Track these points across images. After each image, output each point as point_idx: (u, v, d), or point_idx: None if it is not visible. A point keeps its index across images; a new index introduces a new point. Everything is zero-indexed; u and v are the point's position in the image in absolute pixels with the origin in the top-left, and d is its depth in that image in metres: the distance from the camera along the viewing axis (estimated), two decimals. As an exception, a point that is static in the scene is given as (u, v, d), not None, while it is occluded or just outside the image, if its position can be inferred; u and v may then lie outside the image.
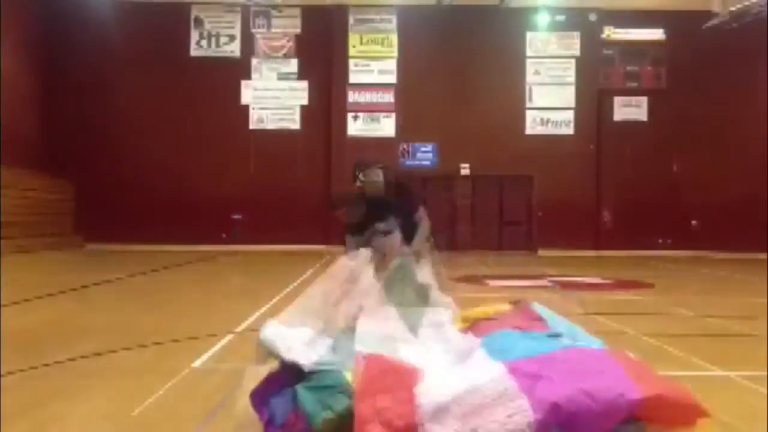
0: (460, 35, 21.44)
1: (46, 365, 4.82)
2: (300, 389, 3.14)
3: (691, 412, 2.75)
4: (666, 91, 21.79)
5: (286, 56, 21.80)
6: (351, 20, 21.83)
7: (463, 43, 21.46)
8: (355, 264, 4.28)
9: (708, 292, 11.34)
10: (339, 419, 2.99)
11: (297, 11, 21.73)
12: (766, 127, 20.63)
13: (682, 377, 4.42)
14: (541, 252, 21.05)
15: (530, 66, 22.00)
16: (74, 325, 6.65)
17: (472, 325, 3.87)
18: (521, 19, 21.75)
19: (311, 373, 3.26)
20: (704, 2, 19.06)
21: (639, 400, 2.66)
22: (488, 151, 21.12)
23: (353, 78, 21.76)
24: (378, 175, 5.04)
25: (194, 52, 21.66)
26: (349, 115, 21.72)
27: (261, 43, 21.77)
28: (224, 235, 20.78)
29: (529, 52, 21.99)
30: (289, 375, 3.28)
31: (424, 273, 4.58)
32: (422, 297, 4.38)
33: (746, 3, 17.49)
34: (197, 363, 5.15)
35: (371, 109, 21.76)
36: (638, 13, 21.73)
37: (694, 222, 21.29)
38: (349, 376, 3.20)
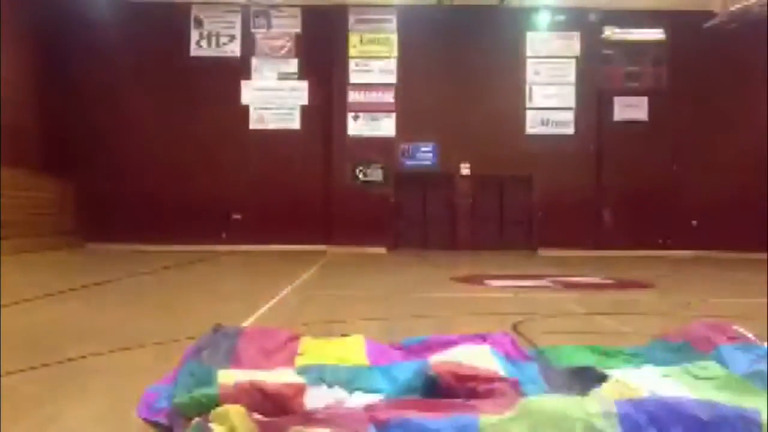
0: (460, 35, 21.44)
1: (46, 365, 4.82)
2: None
3: None
4: (666, 91, 21.81)
5: (286, 56, 21.81)
6: (351, 20, 21.84)
7: (463, 43, 21.46)
8: None
9: (708, 292, 11.34)
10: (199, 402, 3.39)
11: (297, 11, 21.74)
12: (766, 127, 20.62)
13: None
14: (541, 252, 21.06)
15: (530, 66, 22.00)
16: (74, 325, 6.64)
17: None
18: (521, 19, 21.75)
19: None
20: (704, 2, 19.06)
21: None
22: (488, 151, 21.13)
23: (353, 78, 21.77)
24: None
25: (194, 52, 21.67)
26: (349, 115, 21.73)
27: (261, 43, 21.78)
28: (224, 235, 20.79)
29: (529, 52, 22.00)
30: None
31: None
32: None
33: (746, 3, 17.48)
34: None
35: (371, 109, 21.76)
36: (638, 13, 21.73)
37: (694, 222, 21.29)
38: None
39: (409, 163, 21.83)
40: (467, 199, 21.91)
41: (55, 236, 19.12)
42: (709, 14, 18.62)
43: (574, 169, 21.39)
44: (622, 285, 12.11)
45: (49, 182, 19.46)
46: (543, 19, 21.78)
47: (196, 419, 3.25)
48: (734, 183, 20.85)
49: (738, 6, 17.68)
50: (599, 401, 3.08)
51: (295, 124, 21.82)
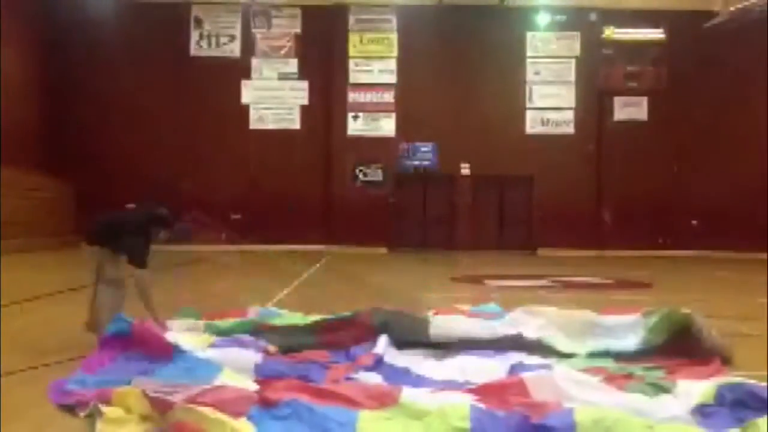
0: (460, 35, 21.45)
1: (46, 365, 4.82)
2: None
3: None
4: (666, 91, 21.79)
5: (286, 56, 21.81)
6: (351, 20, 21.84)
7: (463, 42, 21.46)
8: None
9: (708, 292, 11.34)
10: None
11: (297, 11, 21.74)
12: (766, 127, 20.63)
13: (682, 377, 4.40)
14: (541, 252, 21.05)
15: (530, 66, 22.00)
16: (74, 325, 6.64)
17: None
18: (521, 19, 21.76)
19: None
20: (704, 2, 19.08)
21: None
22: (488, 151, 21.13)
23: (353, 78, 21.77)
24: None
25: (194, 52, 21.68)
26: (349, 115, 21.73)
27: (261, 43, 21.78)
28: (224, 235, 20.78)
29: (529, 52, 21.99)
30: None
31: None
32: None
33: (747, 3, 17.49)
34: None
35: (371, 109, 21.76)
36: (638, 13, 21.73)
37: (694, 222, 21.29)
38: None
39: (409, 163, 21.83)
40: (467, 199, 21.90)
41: (55, 236, 19.12)
42: (709, 14, 18.65)
43: (574, 168, 21.40)
44: (622, 285, 12.11)
45: (49, 182, 19.46)
46: (543, 19, 21.79)
47: (93, 402, 3.43)
48: (734, 183, 20.86)
49: (738, 6, 17.69)
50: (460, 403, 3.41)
51: (295, 124, 21.82)
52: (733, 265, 16.69)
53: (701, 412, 3.44)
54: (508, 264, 16.76)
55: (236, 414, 3.19)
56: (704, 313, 6.93)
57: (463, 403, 3.37)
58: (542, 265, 16.38)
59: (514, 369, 4.23)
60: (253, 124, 21.71)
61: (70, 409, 3.59)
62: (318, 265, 15.15)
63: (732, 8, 17.85)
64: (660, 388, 3.89)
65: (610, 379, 4.12)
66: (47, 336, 6.14)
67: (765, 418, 3.09)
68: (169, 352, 4.31)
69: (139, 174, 20.73)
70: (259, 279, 12.63)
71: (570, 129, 22.00)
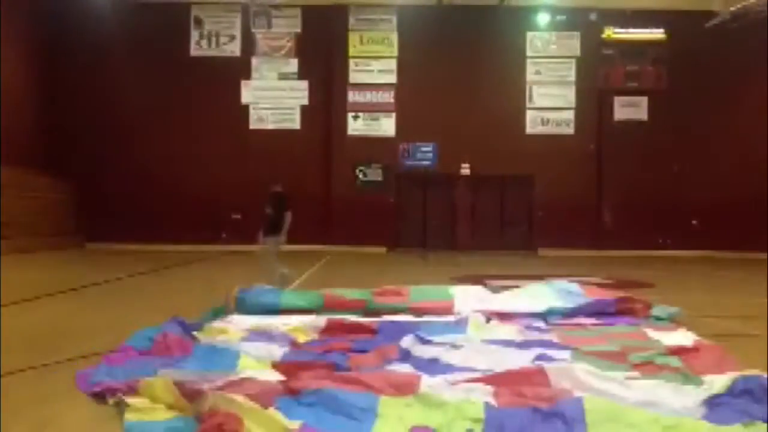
0: (460, 35, 21.44)
1: (46, 365, 4.82)
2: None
3: None
4: (666, 91, 21.79)
5: (286, 56, 21.80)
6: (351, 20, 21.84)
7: (463, 42, 21.46)
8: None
9: (708, 292, 11.33)
10: None
11: (297, 11, 21.74)
12: (766, 127, 20.62)
13: (682, 377, 4.40)
14: (541, 252, 21.04)
15: (531, 66, 22.00)
16: (74, 325, 6.64)
17: None
18: (522, 19, 21.76)
19: None
20: (705, 2, 19.07)
21: None
22: (488, 151, 21.13)
23: (353, 78, 21.77)
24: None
25: (194, 51, 21.67)
26: (349, 115, 21.72)
27: (261, 43, 21.77)
28: (224, 235, 20.78)
29: (529, 52, 21.99)
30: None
31: None
32: None
33: (747, 3, 17.50)
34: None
35: (371, 109, 21.76)
36: (638, 13, 21.74)
37: (694, 222, 21.28)
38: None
39: (409, 163, 21.82)
40: (467, 199, 21.90)
41: (56, 236, 19.12)
42: (710, 14, 18.64)
43: (574, 169, 21.39)
44: (622, 285, 12.09)
45: (49, 182, 19.46)
46: (543, 19, 21.78)
47: (121, 392, 3.63)
48: (734, 183, 20.85)
49: (738, 6, 17.70)
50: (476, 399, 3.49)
51: (295, 124, 21.82)
52: (733, 265, 16.69)
53: (710, 403, 3.47)
54: (508, 264, 16.75)
55: (264, 406, 3.27)
56: (704, 312, 6.96)
57: (477, 400, 3.46)
58: (542, 265, 16.37)
59: (539, 359, 4.34)
60: (253, 124, 21.71)
61: (101, 397, 3.68)
62: (318, 265, 15.15)
63: (732, 8, 17.85)
64: (687, 379, 3.94)
65: (643, 368, 4.20)
66: (47, 336, 6.14)
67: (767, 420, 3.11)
68: (189, 349, 4.46)
69: (138, 173, 20.74)
70: (258, 279, 12.61)
71: (570, 129, 22.00)
